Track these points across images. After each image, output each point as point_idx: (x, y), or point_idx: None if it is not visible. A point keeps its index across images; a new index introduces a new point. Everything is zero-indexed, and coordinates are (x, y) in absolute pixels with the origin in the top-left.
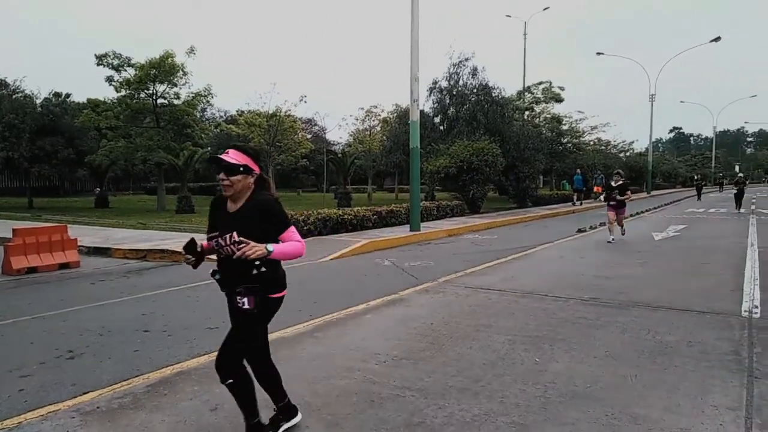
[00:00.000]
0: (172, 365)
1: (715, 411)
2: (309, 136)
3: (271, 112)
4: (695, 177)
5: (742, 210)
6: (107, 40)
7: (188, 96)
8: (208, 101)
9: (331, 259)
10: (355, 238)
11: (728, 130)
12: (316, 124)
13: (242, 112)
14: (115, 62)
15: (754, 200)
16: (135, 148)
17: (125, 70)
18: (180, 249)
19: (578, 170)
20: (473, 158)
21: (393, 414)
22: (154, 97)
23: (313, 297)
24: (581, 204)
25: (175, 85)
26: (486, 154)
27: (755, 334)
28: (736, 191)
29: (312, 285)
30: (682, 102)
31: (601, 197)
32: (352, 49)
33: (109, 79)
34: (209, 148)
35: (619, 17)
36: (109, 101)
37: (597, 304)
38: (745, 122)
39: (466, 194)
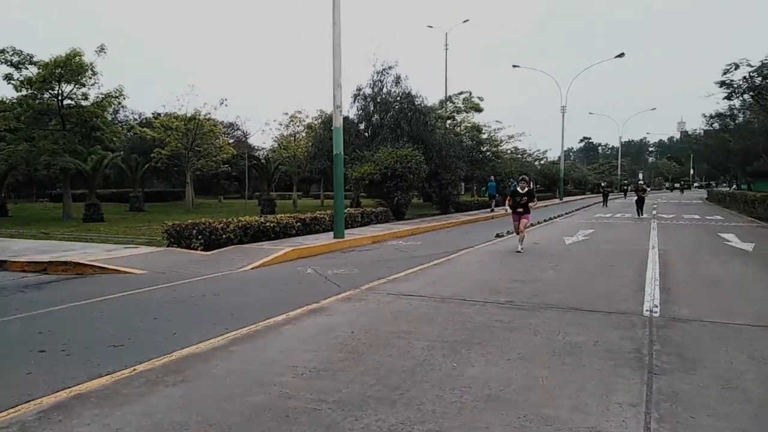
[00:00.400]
0: (69, 388)
1: (618, 408)
2: (231, 141)
3: (189, 115)
4: (602, 184)
5: (644, 215)
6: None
7: (98, 97)
8: (119, 103)
9: (252, 269)
10: (278, 246)
11: (632, 140)
12: (238, 129)
13: (158, 114)
14: (15, 59)
15: (655, 206)
16: (38, 152)
17: (26, 68)
18: (85, 261)
19: (492, 177)
20: (397, 165)
21: (307, 429)
22: (59, 98)
23: (230, 309)
24: (493, 210)
25: (83, 85)
26: (410, 161)
27: (655, 332)
28: (636, 198)
29: (229, 296)
30: (590, 113)
31: (507, 207)
32: (276, 53)
33: (8, 77)
34: (121, 153)
35: (534, 33)
36: (8, 101)
37: (512, 307)
38: (647, 133)
39: (390, 201)
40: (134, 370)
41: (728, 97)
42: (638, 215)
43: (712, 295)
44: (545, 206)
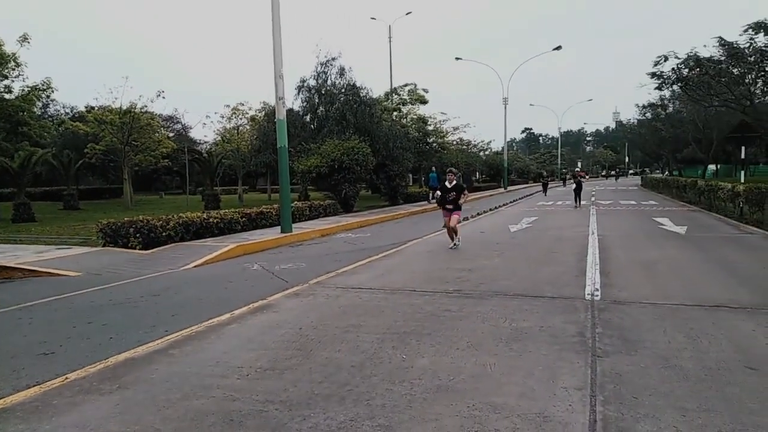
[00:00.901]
0: None
1: (564, 393)
2: (170, 135)
3: (124, 108)
4: (543, 174)
5: (582, 203)
6: None
7: (23, 90)
8: (48, 96)
9: (194, 267)
10: (222, 242)
11: (571, 131)
12: (177, 122)
13: (91, 108)
14: None
15: (593, 193)
16: None
17: None
18: (13, 264)
19: (433, 168)
20: (344, 157)
21: None
22: None
23: (171, 310)
24: (430, 202)
25: (6, 77)
26: (356, 153)
27: (596, 315)
28: (575, 186)
29: (171, 297)
30: (531, 105)
31: (434, 199)
32: (216, 43)
33: None
34: (53, 149)
35: (476, 25)
36: None
37: (460, 296)
38: (585, 123)
39: (338, 193)
40: (66, 378)
41: (659, 88)
42: (576, 204)
43: (649, 277)
44: (490, 195)
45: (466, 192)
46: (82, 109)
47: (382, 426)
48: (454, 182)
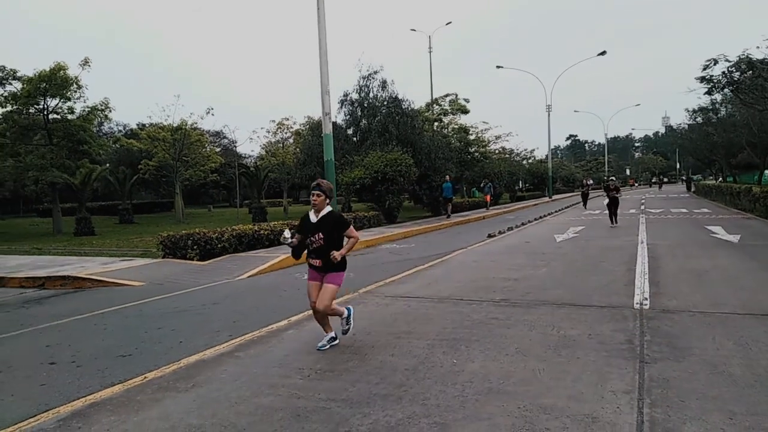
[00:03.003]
0: (84, 397)
1: (612, 396)
2: (218, 150)
3: (175, 125)
4: (582, 182)
5: (631, 211)
6: None
7: (83, 110)
8: (105, 115)
9: (249, 277)
10: (273, 253)
11: (618, 137)
12: (225, 137)
13: (144, 125)
14: None
15: (643, 201)
16: (25, 168)
17: (10, 84)
18: (83, 275)
19: (447, 177)
20: (387, 169)
21: (319, 426)
22: (45, 112)
23: (232, 316)
24: (448, 216)
25: (69, 99)
26: (399, 164)
27: (645, 323)
28: (608, 200)
29: (230, 304)
30: (576, 111)
31: (290, 239)
32: (262, 61)
33: None
34: (108, 165)
35: (517, 32)
36: None
37: (507, 305)
38: (632, 129)
39: (382, 204)
40: (145, 377)
41: (709, 92)
42: (612, 222)
43: (699, 286)
44: (535, 205)
45: (350, 232)
46: (135, 126)
47: (438, 423)
48: (327, 210)
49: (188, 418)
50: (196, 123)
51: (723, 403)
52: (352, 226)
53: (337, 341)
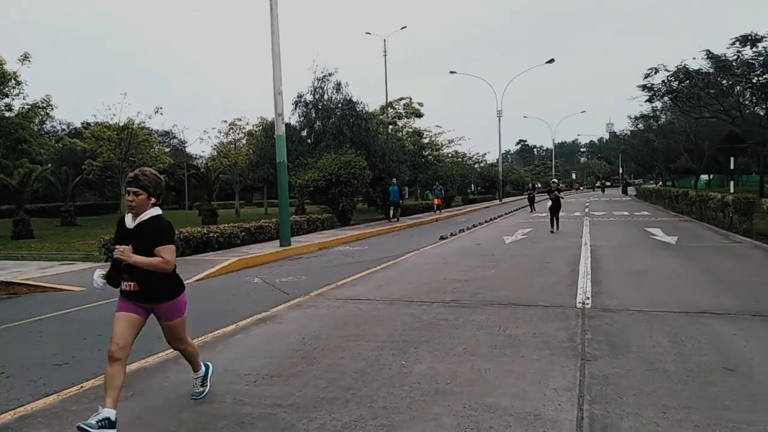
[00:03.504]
0: (13, 409)
1: (554, 393)
2: (167, 150)
3: (122, 124)
4: (528, 186)
5: (576, 213)
6: None
7: (23, 108)
8: (47, 113)
9: (197, 281)
10: (223, 256)
11: (565, 142)
12: (174, 137)
13: (88, 124)
14: None
15: (587, 204)
16: None
17: None
18: (18, 280)
19: (394, 180)
20: (341, 171)
21: None
22: None
23: None
24: (398, 220)
25: (7, 96)
26: (353, 166)
27: (587, 322)
28: (550, 204)
29: None
30: (525, 117)
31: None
32: (212, 60)
33: None
34: (50, 165)
35: (470, 38)
36: None
37: (457, 306)
38: (578, 134)
39: (335, 207)
40: (82, 387)
41: (650, 100)
42: (552, 228)
43: (638, 286)
44: (486, 207)
45: (163, 251)
46: (79, 125)
47: (385, 426)
48: (151, 215)
49: (126, 428)
50: (143, 122)
51: (658, 398)
52: (173, 246)
53: (207, 389)
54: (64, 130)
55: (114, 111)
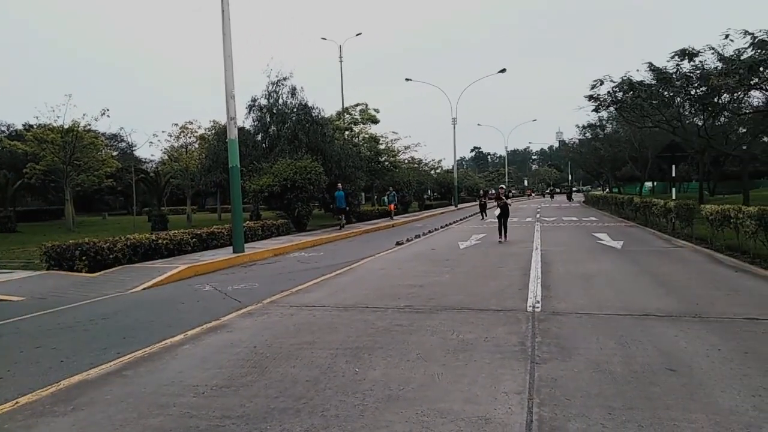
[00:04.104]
0: None
1: (505, 397)
2: (115, 154)
3: (66, 126)
4: (480, 192)
5: (527, 219)
6: None
7: None
8: None
9: (144, 289)
10: (172, 264)
11: (517, 149)
12: (122, 140)
13: (30, 126)
14: None
15: (539, 210)
16: None
17: None
18: None
19: (339, 185)
20: (297, 176)
21: None
22: None
23: (122, 332)
24: (341, 227)
25: None
26: (309, 172)
27: (537, 325)
28: (499, 212)
29: (121, 319)
30: (479, 125)
31: None
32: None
33: None
34: None
35: (426, 47)
36: None
37: (411, 311)
38: (530, 142)
39: (291, 212)
40: (17, 403)
41: (596, 110)
42: (501, 237)
43: (586, 289)
44: (442, 213)
45: None
46: (20, 127)
47: None
48: None
49: None
50: (89, 124)
51: (604, 399)
52: None
53: None
54: (3, 132)
55: (58, 113)
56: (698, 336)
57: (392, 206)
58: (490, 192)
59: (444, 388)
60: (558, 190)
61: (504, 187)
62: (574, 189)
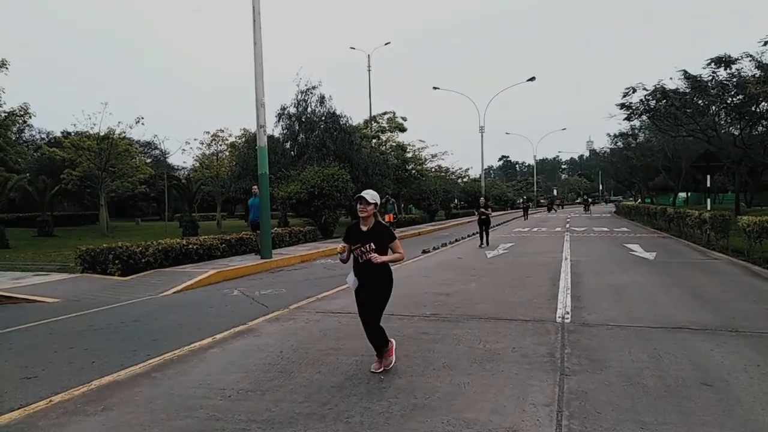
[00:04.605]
0: None
1: (533, 408)
2: (148, 161)
3: (102, 134)
4: (522, 199)
5: (557, 229)
6: None
7: (0, 115)
8: (24, 121)
9: (174, 293)
10: (202, 268)
11: (546, 158)
12: (156, 148)
13: (68, 133)
14: None
15: (568, 219)
16: None
17: None
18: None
19: (255, 189)
20: (324, 184)
21: None
22: None
23: (152, 335)
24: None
25: None
26: (336, 179)
27: (566, 337)
28: (479, 220)
29: (151, 322)
30: (507, 133)
31: None
32: (196, 71)
33: None
34: (28, 174)
35: (454, 54)
36: None
37: (437, 320)
38: (559, 151)
39: (318, 219)
40: (50, 401)
41: (628, 118)
42: (481, 243)
43: (617, 301)
44: (468, 222)
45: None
46: (59, 134)
47: None
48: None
49: None
50: (124, 132)
51: (636, 413)
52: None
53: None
54: (43, 139)
55: (94, 120)
56: (735, 351)
57: (390, 216)
58: (481, 203)
59: (470, 398)
60: (590, 200)
61: (484, 199)
62: (589, 200)
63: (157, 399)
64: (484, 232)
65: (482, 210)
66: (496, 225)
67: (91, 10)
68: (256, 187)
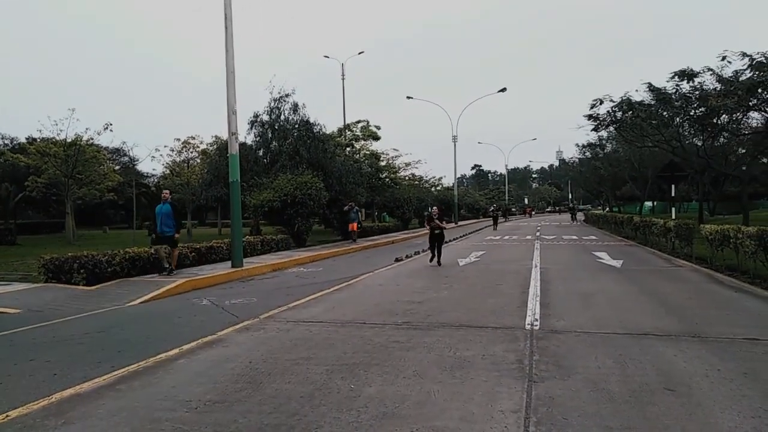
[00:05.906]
0: None
1: (501, 415)
2: (117, 168)
3: (69, 140)
4: (492, 207)
5: (527, 237)
6: None
7: None
8: None
9: (141, 303)
10: (170, 277)
11: (518, 167)
12: (125, 155)
13: (33, 139)
14: None
15: (539, 228)
16: None
17: None
18: None
19: (165, 193)
20: (297, 192)
21: None
22: None
23: (117, 346)
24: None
25: None
26: (310, 188)
27: (535, 344)
28: (430, 234)
29: (116, 333)
30: (480, 143)
31: None
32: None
33: None
34: None
35: (428, 65)
36: None
37: (408, 328)
38: (530, 161)
39: (291, 228)
40: (7, 416)
41: (595, 129)
42: (432, 260)
43: (585, 308)
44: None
45: None
46: (23, 140)
47: None
48: None
49: None
50: (92, 138)
51: (601, 419)
52: None
53: None
54: (7, 145)
55: (61, 126)
56: (697, 356)
57: (354, 225)
58: (429, 211)
59: (440, 406)
60: (578, 208)
61: (436, 210)
62: (577, 208)
63: (121, 412)
64: (435, 249)
65: (436, 223)
66: (469, 233)
67: (61, 15)
68: (167, 191)
